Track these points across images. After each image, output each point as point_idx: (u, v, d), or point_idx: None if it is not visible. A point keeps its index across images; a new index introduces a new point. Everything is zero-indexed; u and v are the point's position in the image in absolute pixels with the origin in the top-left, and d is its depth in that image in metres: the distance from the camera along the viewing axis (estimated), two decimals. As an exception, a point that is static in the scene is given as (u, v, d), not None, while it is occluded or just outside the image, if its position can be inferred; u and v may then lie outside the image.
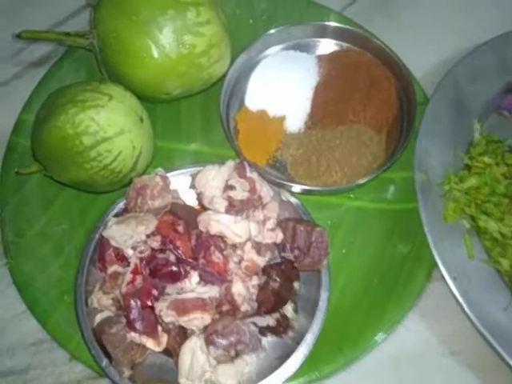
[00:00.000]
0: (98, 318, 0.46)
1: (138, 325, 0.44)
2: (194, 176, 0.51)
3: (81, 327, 0.45)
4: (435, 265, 0.47)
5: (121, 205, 0.51)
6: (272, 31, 0.57)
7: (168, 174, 0.51)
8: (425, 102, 0.55)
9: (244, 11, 0.61)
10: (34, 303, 0.49)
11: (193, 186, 0.51)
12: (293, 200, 0.51)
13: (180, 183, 0.52)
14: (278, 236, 0.49)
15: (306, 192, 0.52)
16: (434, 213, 0.48)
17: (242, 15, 0.61)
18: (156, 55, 0.47)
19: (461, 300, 0.44)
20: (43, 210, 0.53)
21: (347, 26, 0.57)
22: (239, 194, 0.49)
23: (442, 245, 0.46)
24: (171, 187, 0.51)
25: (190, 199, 0.52)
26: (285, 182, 0.51)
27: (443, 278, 0.46)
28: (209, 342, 0.42)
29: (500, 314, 0.45)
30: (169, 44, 0.47)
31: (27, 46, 0.63)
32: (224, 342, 0.42)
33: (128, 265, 0.47)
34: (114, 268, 0.48)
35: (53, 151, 0.46)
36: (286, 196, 0.52)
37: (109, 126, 0.45)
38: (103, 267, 0.48)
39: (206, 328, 0.44)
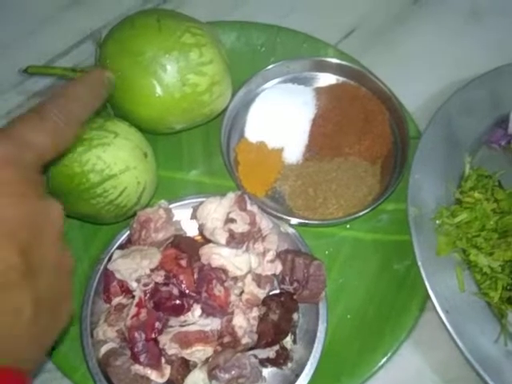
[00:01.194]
0: (103, 349, 0.47)
1: (142, 357, 0.45)
2: (195, 208, 0.53)
3: (86, 359, 0.47)
4: (428, 296, 0.49)
5: (124, 236, 0.52)
6: (271, 66, 0.59)
7: (170, 206, 0.53)
8: (418, 135, 0.57)
9: (243, 45, 0.63)
10: (39, 334, 0.50)
11: (194, 217, 0.53)
12: (290, 231, 0.53)
13: (182, 214, 0.54)
14: (278, 268, 0.50)
15: (303, 225, 0.54)
16: (426, 246, 0.50)
17: (241, 49, 0.62)
18: (160, 94, 0.49)
19: (453, 333, 0.46)
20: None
21: (343, 62, 0.59)
22: (240, 226, 0.50)
23: (434, 278, 0.48)
24: (174, 219, 0.52)
25: (192, 230, 0.53)
26: (283, 216, 0.53)
27: (435, 309, 0.48)
28: (212, 377, 0.43)
29: (490, 345, 0.46)
30: (172, 83, 0.49)
31: (31, 76, 0.64)
32: (226, 375, 0.43)
33: (132, 297, 0.48)
34: (119, 299, 0.49)
35: (59, 187, 0.47)
36: (284, 228, 0.53)
37: (115, 163, 0.47)
38: (108, 299, 0.49)
39: (207, 360, 0.46)
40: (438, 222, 0.51)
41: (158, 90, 0.49)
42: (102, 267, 0.50)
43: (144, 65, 0.48)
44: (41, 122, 0.34)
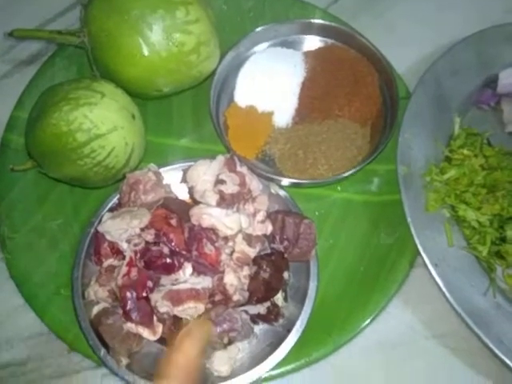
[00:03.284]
0: (95, 309, 0.47)
1: (134, 315, 0.45)
2: (185, 171, 0.52)
3: (78, 319, 0.47)
4: (418, 253, 0.49)
5: (114, 200, 0.52)
6: (259, 29, 0.59)
7: (160, 170, 0.53)
8: (407, 96, 0.57)
9: (231, 8, 0.62)
10: (31, 297, 0.50)
11: (184, 181, 0.52)
12: (281, 193, 0.53)
13: (172, 178, 0.53)
14: (268, 228, 0.50)
15: (294, 185, 0.54)
16: (416, 203, 0.50)
17: (229, 12, 0.62)
18: (146, 53, 0.49)
19: (442, 286, 0.46)
20: (38, 205, 0.54)
21: (332, 23, 0.59)
22: (230, 187, 0.50)
23: (423, 234, 0.49)
24: (164, 182, 0.52)
25: (182, 193, 0.53)
26: (273, 176, 0.53)
27: (425, 264, 0.48)
28: (203, 330, 0.44)
29: (479, 298, 0.47)
30: (159, 42, 0.48)
31: (17, 44, 0.63)
32: (217, 329, 0.43)
33: (123, 258, 0.48)
34: (110, 261, 0.49)
35: (47, 148, 0.47)
36: (274, 189, 0.53)
37: (102, 122, 0.47)
38: (99, 261, 0.49)
39: (199, 317, 0.46)
40: (427, 179, 0.51)
41: (144, 49, 0.48)
42: (92, 230, 0.50)
43: (130, 23, 0.48)
44: None
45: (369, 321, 0.49)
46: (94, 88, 0.48)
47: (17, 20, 0.65)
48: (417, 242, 0.48)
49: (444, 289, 0.46)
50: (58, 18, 0.65)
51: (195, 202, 0.51)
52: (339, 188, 0.56)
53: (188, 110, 0.59)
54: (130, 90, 0.51)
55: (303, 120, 0.57)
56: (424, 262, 0.48)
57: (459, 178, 0.50)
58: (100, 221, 0.50)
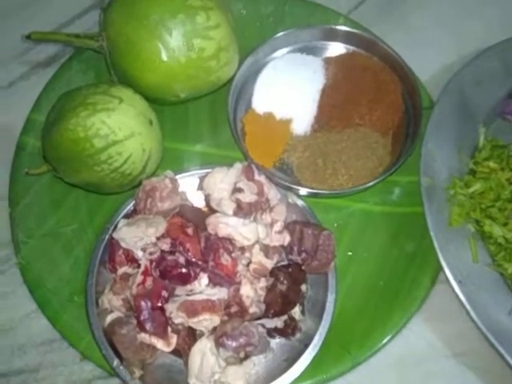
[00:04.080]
0: (109, 318, 0.46)
1: (148, 326, 0.44)
2: (202, 178, 0.52)
3: (92, 327, 0.46)
4: (440, 268, 0.47)
5: (130, 206, 0.51)
6: (279, 34, 0.58)
7: (176, 176, 0.52)
8: (430, 106, 0.56)
9: (250, 13, 0.61)
10: (44, 303, 0.49)
11: (201, 188, 0.52)
12: (299, 202, 0.52)
13: (188, 185, 0.53)
14: (286, 238, 0.49)
15: (312, 195, 0.52)
16: (439, 217, 0.49)
17: (248, 17, 0.61)
18: (165, 58, 0.48)
19: (466, 303, 0.45)
20: (52, 210, 0.53)
21: (354, 30, 0.58)
22: (247, 196, 0.49)
23: (447, 248, 0.47)
24: (180, 189, 0.51)
25: (198, 201, 0.52)
26: (292, 185, 0.52)
27: (448, 280, 0.47)
28: (219, 344, 0.43)
29: (504, 317, 0.45)
30: (178, 47, 0.47)
31: (34, 46, 0.63)
32: (234, 343, 0.42)
33: (138, 266, 0.47)
34: (124, 269, 0.48)
35: (63, 153, 0.47)
36: (292, 199, 0.52)
37: (119, 128, 0.46)
38: (113, 268, 0.48)
39: (214, 329, 0.45)
40: (450, 192, 0.49)
41: (164, 55, 0.48)
42: (107, 237, 0.49)
43: (149, 28, 0.47)
44: None
45: (388, 338, 0.47)
46: (112, 93, 0.47)
47: (34, 22, 0.64)
48: (440, 257, 0.46)
49: (468, 307, 0.45)
50: (76, 21, 0.64)
51: (211, 210, 0.50)
52: (357, 198, 0.55)
53: (205, 115, 0.58)
54: (147, 95, 0.51)
55: (322, 128, 0.56)
56: (447, 278, 0.46)
57: (485, 191, 0.48)
58: (115, 227, 0.49)
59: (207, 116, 0.58)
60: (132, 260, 0.48)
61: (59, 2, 0.66)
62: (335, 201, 0.55)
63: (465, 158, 0.52)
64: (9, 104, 0.60)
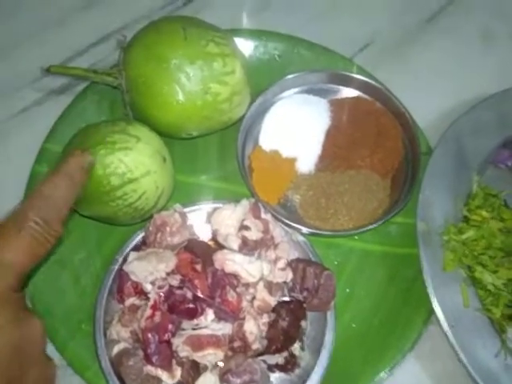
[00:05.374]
0: (116, 348, 0.48)
1: (155, 359, 0.46)
2: (209, 213, 0.54)
3: (99, 357, 0.47)
4: (433, 310, 0.50)
5: (139, 237, 0.53)
6: (290, 76, 0.60)
7: (184, 210, 0.54)
8: (428, 151, 0.59)
9: (260, 54, 0.64)
10: (53, 331, 0.50)
11: (208, 222, 0.54)
12: (301, 239, 0.54)
13: (195, 218, 0.55)
14: (289, 275, 0.52)
15: (314, 234, 0.55)
16: (433, 261, 0.51)
17: (258, 58, 0.63)
18: (182, 100, 0.50)
19: (457, 347, 0.47)
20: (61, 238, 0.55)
21: (360, 76, 0.61)
22: (254, 234, 0.51)
23: (440, 292, 0.50)
24: (187, 223, 0.53)
25: (205, 234, 0.54)
26: (295, 225, 0.54)
27: (439, 323, 0.49)
28: (224, 381, 0.44)
29: (491, 359, 0.48)
30: (195, 91, 0.50)
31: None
32: (238, 380, 0.44)
33: (145, 298, 0.49)
34: (132, 300, 0.50)
35: (80, 188, 0.48)
36: (295, 236, 0.55)
37: (136, 167, 0.48)
38: (121, 299, 0.50)
39: (217, 363, 0.47)
40: (445, 238, 0.52)
41: (181, 97, 0.50)
42: (116, 267, 0.51)
43: (168, 71, 0.49)
44: (17, 238, 0.34)
45: (382, 377, 0.50)
46: (129, 132, 0.49)
47: (48, 48, 0.66)
48: (434, 301, 0.49)
49: (459, 350, 0.47)
50: (91, 49, 0.66)
51: (217, 244, 0.53)
52: (356, 237, 0.57)
53: (214, 150, 0.60)
54: (161, 132, 0.53)
55: (326, 167, 0.59)
56: (438, 320, 0.49)
57: (477, 239, 0.51)
58: (124, 258, 0.51)
59: (216, 151, 0.60)
60: (140, 292, 0.50)
61: (75, 29, 0.68)
62: (336, 238, 0.57)
63: (459, 204, 0.55)
64: (22, 130, 0.62)
